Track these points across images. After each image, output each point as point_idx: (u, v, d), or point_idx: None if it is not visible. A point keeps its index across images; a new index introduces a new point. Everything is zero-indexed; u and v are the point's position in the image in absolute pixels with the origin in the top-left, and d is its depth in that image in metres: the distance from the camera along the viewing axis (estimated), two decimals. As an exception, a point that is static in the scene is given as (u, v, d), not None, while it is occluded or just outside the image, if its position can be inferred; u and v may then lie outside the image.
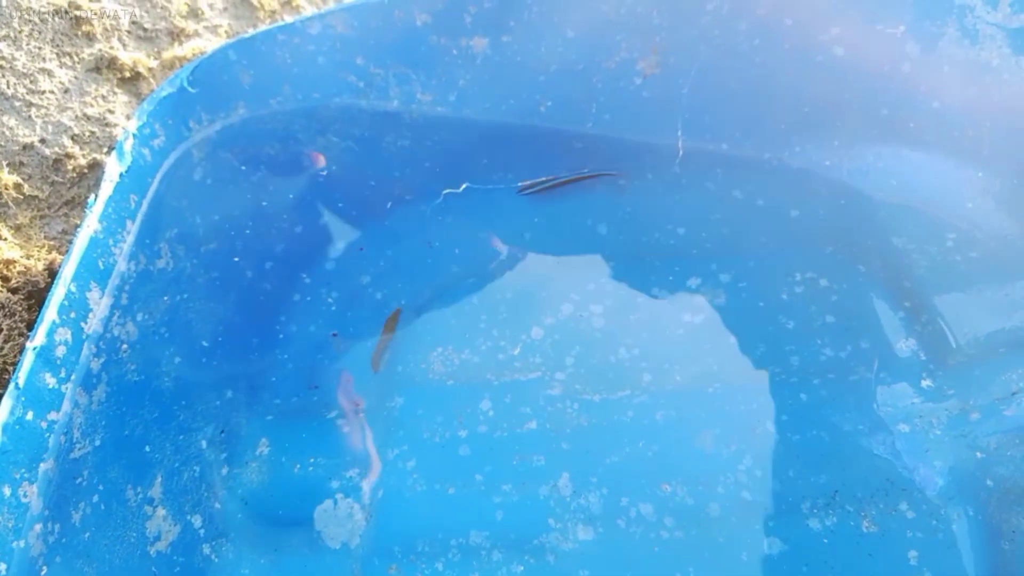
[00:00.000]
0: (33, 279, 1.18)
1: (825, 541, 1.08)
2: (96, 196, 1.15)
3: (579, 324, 1.33)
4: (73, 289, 1.08)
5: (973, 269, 1.26)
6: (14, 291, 1.17)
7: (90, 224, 1.12)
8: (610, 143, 1.48)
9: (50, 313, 1.04)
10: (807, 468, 1.14)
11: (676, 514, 1.13)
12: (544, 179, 1.46)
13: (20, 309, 1.16)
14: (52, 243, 1.24)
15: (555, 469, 1.19)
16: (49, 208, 1.26)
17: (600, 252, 1.40)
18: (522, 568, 1.12)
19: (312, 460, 1.23)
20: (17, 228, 1.23)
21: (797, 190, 1.41)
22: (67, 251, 1.09)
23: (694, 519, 1.12)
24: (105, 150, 1.33)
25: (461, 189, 1.47)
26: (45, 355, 1.03)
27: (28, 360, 1.00)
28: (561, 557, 1.12)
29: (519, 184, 1.46)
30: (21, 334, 1.15)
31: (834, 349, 1.24)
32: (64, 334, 1.06)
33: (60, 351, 1.05)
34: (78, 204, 1.29)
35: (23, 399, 0.99)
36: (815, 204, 1.39)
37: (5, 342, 1.14)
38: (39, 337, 1.02)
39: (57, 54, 1.39)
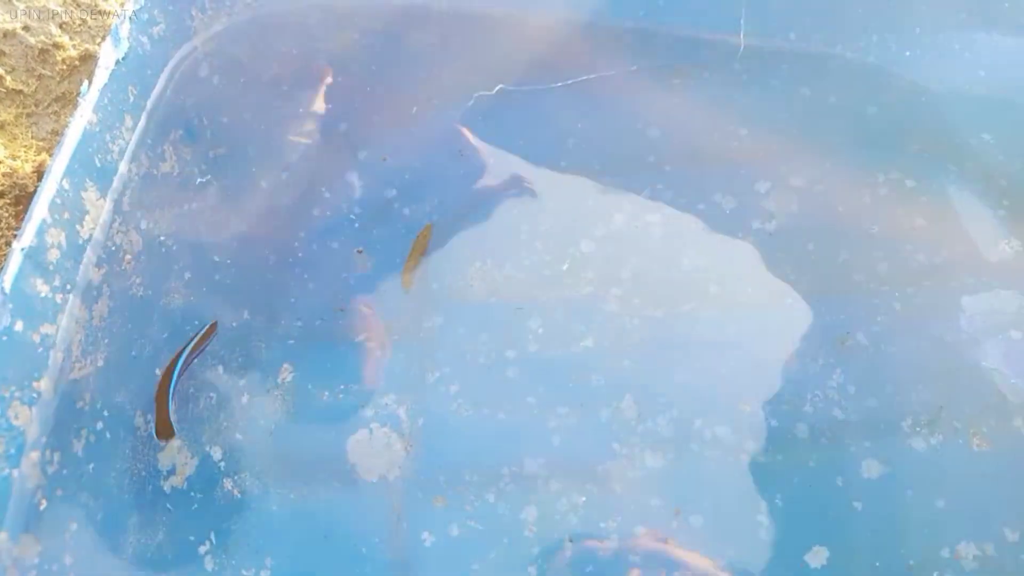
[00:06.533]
0: (20, 182, 1.03)
1: (931, 462, 0.96)
2: (90, 84, 1.00)
3: (634, 235, 1.19)
4: (66, 186, 0.94)
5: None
6: (0, 195, 1.02)
7: (83, 113, 0.97)
8: (663, 38, 1.32)
9: (39, 210, 0.89)
10: (907, 383, 1.01)
11: (758, 436, 1.00)
12: None
13: (7, 215, 1.02)
14: (41, 143, 1.09)
15: (617, 390, 1.06)
16: (36, 105, 1.11)
17: (653, 157, 1.25)
18: (584, 499, 1.00)
19: (342, 387, 1.10)
20: (1, 126, 1.07)
21: (873, 85, 1.26)
22: (58, 145, 0.94)
23: (779, 441, 1.00)
24: (99, 40, 1.17)
25: (495, 91, 1.31)
26: (35, 258, 0.88)
27: (15, 262, 0.86)
28: (629, 485, 1.00)
29: None
30: (8, 243, 1.01)
31: (927, 254, 1.10)
32: (57, 236, 0.92)
33: (53, 255, 0.91)
34: (69, 101, 1.14)
35: (10, 307, 0.84)
36: (894, 100, 1.25)
37: (-10, 253, 1.00)
38: (27, 236, 0.88)
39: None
